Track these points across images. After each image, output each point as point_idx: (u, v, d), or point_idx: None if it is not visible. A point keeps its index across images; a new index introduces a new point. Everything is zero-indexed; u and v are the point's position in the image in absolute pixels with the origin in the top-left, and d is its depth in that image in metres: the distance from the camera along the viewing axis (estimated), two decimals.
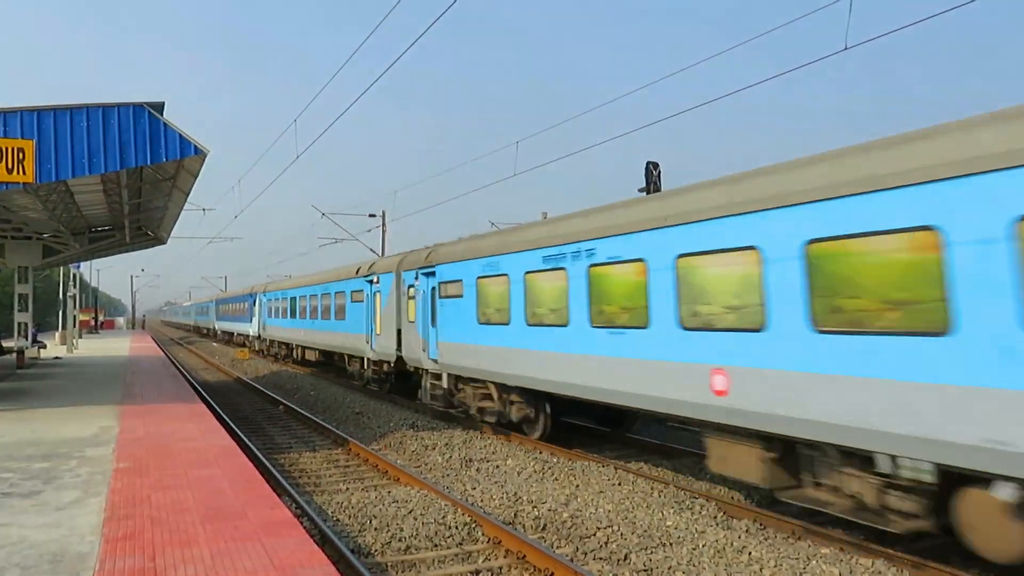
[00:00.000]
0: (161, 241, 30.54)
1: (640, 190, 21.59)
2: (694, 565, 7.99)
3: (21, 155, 12.43)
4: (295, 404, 21.47)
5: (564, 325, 12.53)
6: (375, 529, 9.31)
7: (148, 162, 13.58)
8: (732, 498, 10.85)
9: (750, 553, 8.26)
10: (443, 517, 9.63)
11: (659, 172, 21.86)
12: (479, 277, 15.30)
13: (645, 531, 9.09)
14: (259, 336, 44.32)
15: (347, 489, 11.70)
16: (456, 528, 9.26)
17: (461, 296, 16.11)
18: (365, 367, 23.80)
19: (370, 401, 22.01)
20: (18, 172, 12.41)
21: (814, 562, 7.97)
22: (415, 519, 9.60)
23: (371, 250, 43.91)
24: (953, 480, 7.00)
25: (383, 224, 43.69)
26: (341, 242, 45.88)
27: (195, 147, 13.85)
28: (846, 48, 11.26)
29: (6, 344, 29.29)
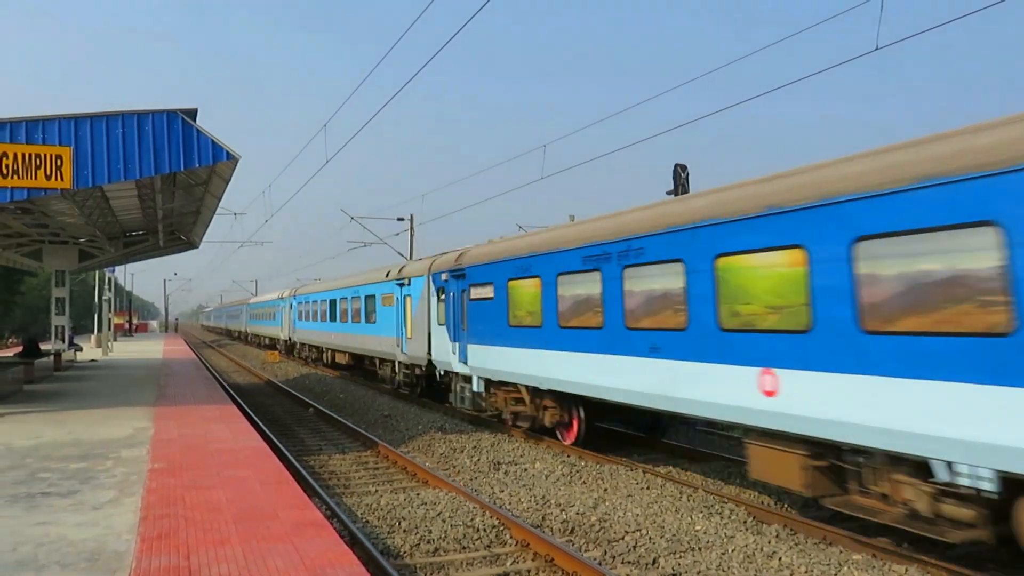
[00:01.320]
0: (194, 245, 31.02)
1: (668, 192, 21.52)
2: (724, 570, 7.94)
3: (59, 162, 12.72)
4: (324, 407, 21.67)
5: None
6: (404, 531, 9.37)
7: (181, 168, 13.82)
8: (762, 502, 10.76)
9: (780, 558, 8.19)
10: (471, 520, 9.66)
11: (687, 175, 21.77)
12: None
13: (674, 535, 9.05)
14: None
15: (376, 491, 11.79)
16: (484, 531, 9.29)
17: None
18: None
19: (399, 404, 22.15)
20: (56, 178, 12.71)
21: (846, 568, 7.88)
22: (444, 521, 9.64)
23: (399, 253, 44.23)
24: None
25: (411, 227, 43.99)
26: (370, 245, 46.34)
27: (227, 153, 14.06)
28: (876, 48, 11.14)
29: (43, 347, 29.92)
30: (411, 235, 43.98)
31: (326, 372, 35.26)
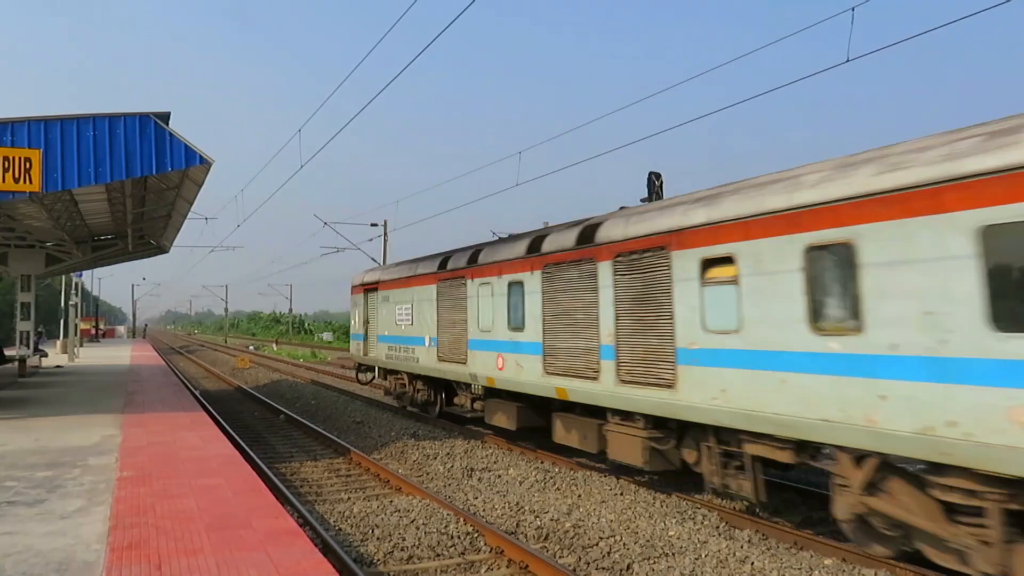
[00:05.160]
0: (163, 250, 30.60)
1: (643, 200, 21.69)
2: (697, 575, 8.01)
3: (28, 164, 12.51)
4: (296, 413, 21.48)
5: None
6: (377, 539, 9.33)
7: (153, 172, 13.64)
8: (734, 508, 10.86)
9: (752, 563, 8.27)
10: (445, 527, 9.65)
11: (661, 182, 21.97)
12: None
13: (648, 541, 9.11)
14: None
15: (349, 499, 11.71)
16: (458, 538, 9.28)
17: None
18: None
19: (371, 410, 22.04)
20: (25, 181, 12.49)
21: (816, 572, 7.98)
22: (417, 529, 9.62)
23: (372, 259, 44.05)
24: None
25: (384, 233, 43.83)
26: (343, 251, 46.07)
27: (200, 157, 13.92)
28: (848, 60, 11.40)
29: (8, 352, 29.30)
30: (384, 241, 43.84)
31: (297, 378, 34.98)
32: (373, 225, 44.11)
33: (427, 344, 18.01)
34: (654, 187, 21.59)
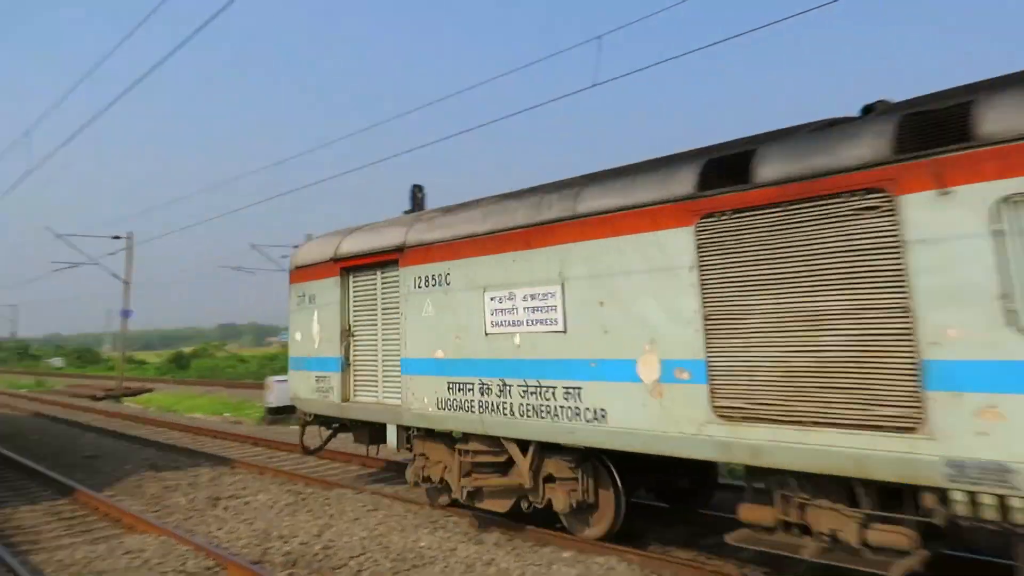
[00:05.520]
0: None
1: (406, 211, 21.86)
2: None
3: None
4: (12, 451, 18.91)
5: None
6: None
7: None
8: (483, 515, 11.19)
9: (498, 564, 8.58)
10: (183, 564, 8.99)
11: (423, 195, 22.31)
12: None
13: (399, 554, 9.11)
14: None
15: (72, 544, 10.50)
16: (198, 574, 8.68)
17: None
18: None
19: (105, 441, 20.01)
20: None
21: (555, 566, 8.45)
22: (150, 569, 8.87)
23: (114, 275, 40.11)
24: None
25: (130, 246, 40.20)
26: (79, 267, 41.51)
27: None
28: (594, 84, 12.56)
29: None
30: (128, 255, 40.17)
31: (17, 411, 30.92)
32: (116, 237, 40.24)
33: (647, 375, 7.79)
34: (416, 199, 21.88)
